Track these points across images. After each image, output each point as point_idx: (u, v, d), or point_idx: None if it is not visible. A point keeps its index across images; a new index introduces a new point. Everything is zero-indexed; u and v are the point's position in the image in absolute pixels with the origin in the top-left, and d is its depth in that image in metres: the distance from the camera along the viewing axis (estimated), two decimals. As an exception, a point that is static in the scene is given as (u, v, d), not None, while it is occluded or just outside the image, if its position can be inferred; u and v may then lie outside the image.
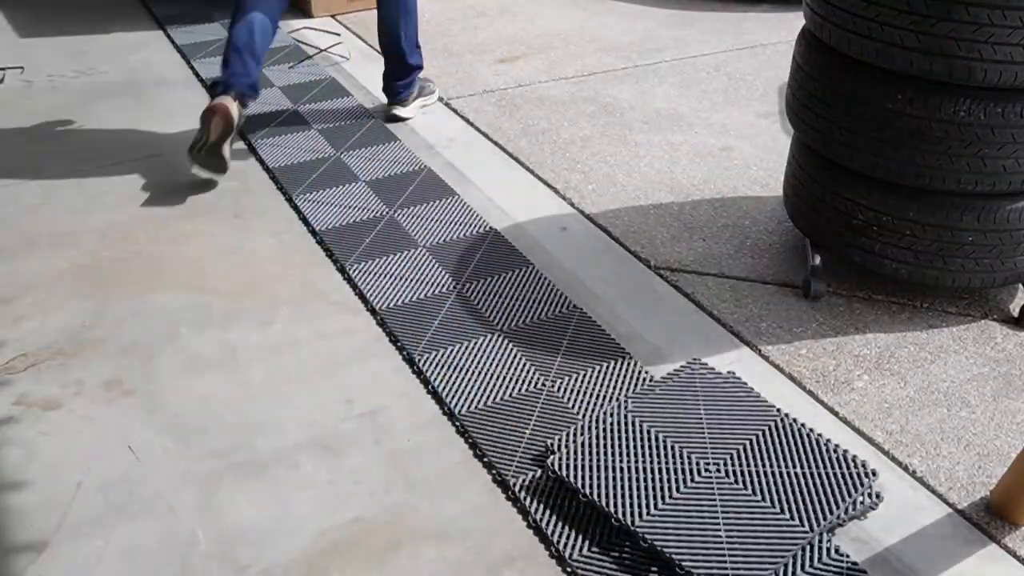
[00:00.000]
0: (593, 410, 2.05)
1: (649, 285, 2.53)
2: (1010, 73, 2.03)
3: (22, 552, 1.72)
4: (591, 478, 1.82)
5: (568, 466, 1.86)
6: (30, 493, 1.85)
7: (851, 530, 1.78)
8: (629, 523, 1.71)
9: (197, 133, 2.90)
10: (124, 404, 2.08)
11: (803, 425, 1.95)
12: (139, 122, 3.45)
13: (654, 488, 1.80)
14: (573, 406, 2.07)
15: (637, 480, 1.81)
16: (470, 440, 1.98)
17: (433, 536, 1.76)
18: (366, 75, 3.90)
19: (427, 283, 2.49)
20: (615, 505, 1.76)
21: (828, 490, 1.78)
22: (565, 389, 2.12)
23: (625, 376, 2.16)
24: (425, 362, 2.20)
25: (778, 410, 1.99)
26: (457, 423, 2.03)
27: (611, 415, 1.98)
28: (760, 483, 1.80)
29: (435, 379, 2.14)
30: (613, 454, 1.88)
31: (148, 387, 2.14)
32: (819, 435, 1.92)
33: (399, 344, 2.27)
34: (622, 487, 1.80)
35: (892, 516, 1.81)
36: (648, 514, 1.74)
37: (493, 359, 2.21)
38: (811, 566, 1.69)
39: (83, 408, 2.07)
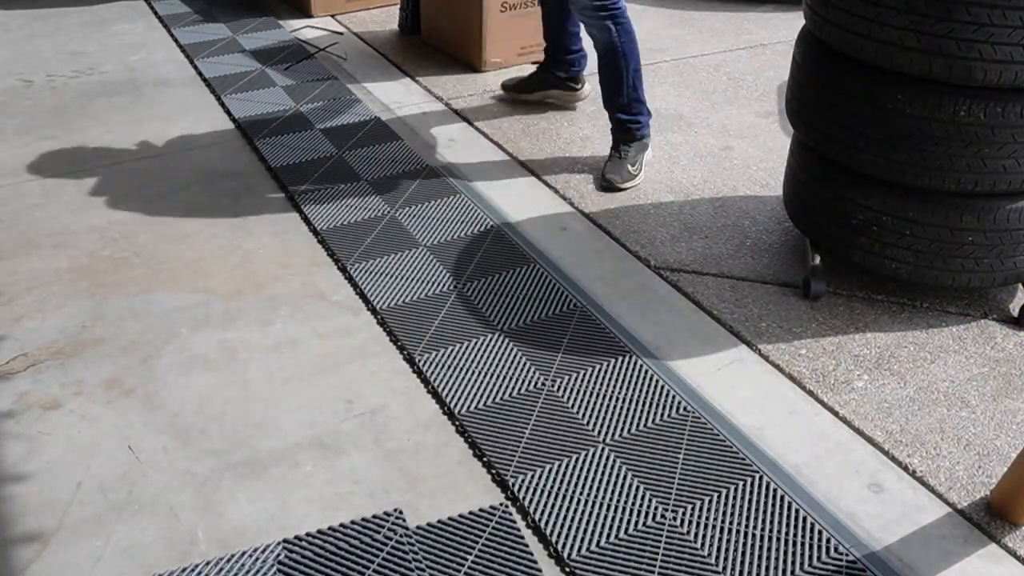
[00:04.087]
0: (593, 410, 2.05)
1: (649, 285, 2.53)
2: (1010, 73, 2.03)
3: (22, 551, 1.72)
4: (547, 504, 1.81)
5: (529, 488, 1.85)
6: (30, 492, 1.85)
7: (850, 528, 1.78)
8: (565, 555, 1.70)
9: None
10: (124, 404, 2.08)
11: (776, 490, 1.85)
12: (139, 122, 3.45)
13: (604, 524, 1.78)
14: (573, 405, 2.07)
15: (591, 513, 1.80)
16: (470, 440, 1.98)
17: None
18: (366, 74, 3.90)
19: (428, 282, 2.50)
20: (559, 534, 1.74)
21: (783, 556, 1.72)
22: (565, 388, 2.12)
23: (625, 375, 2.16)
24: (425, 362, 2.20)
25: (757, 468, 1.91)
26: (457, 423, 2.03)
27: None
28: (713, 537, 1.75)
29: (435, 379, 2.15)
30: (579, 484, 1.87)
31: (148, 387, 2.14)
32: (791, 500, 1.83)
33: (399, 344, 2.27)
34: (575, 517, 1.79)
35: (892, 516, 1.81)
36: (587, 550, 1.72)
37: (493, 358, 2.21)
38: (810, 565, 1.70)
39: (83, 408, 2.07)
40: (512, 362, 2.20)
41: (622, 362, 2.20)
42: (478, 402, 2.08)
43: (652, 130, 3.11)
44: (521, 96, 3.55)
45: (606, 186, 2.94)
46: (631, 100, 3.00)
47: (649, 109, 3.06)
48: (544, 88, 3.53)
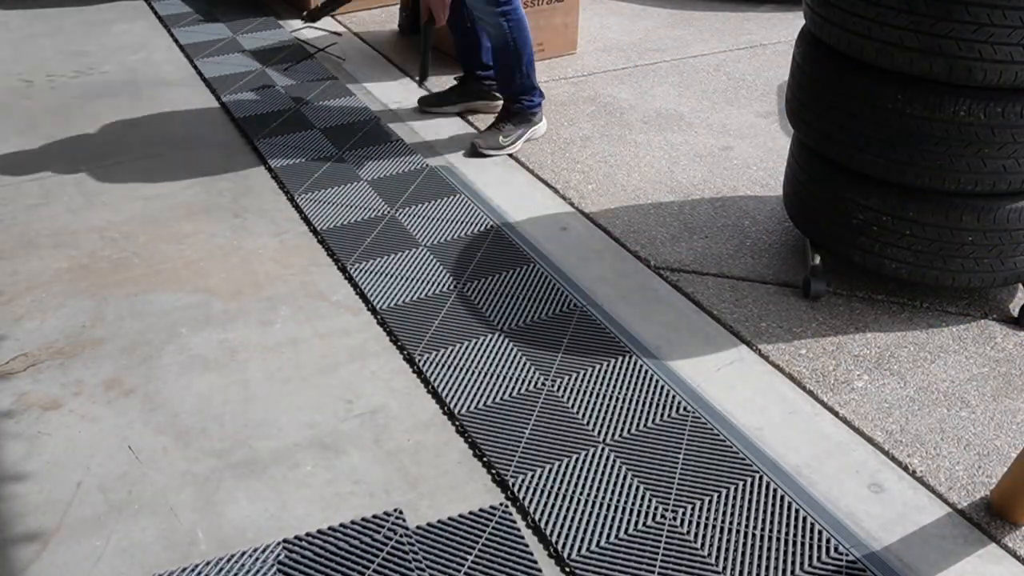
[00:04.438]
0: (592, 411, 2.05)
1: (649, 285, 2.53)
2: (1010, 73, 2.03)
3: (22, 551, 1.72)
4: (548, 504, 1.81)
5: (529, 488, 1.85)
6: (30, 492, 1.85)
7: (850, 528, 1.78)
8: (565, 555, 1.70)
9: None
10: (124, 404, 2.08)
11: (776, 490, 1.85)
12: (139, 122, 3.45)
13: (604, 524, 1.77)
14: (573, 405, 2.07)
15: (591, 513, 1.80)
16: (470, 440, 1.98)
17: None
18: (366, 74, 3.90)
19: (428, 282, 2.50)
20: (559, 534, 1.74)
21: (783, 556, 1.72)
22: (565, 388, 2.12)
23: (625, 375, 2.16)
24: (425, 362, 2.20)
25: (757, 468, 1.91)
26: (457, 423, 2.03)
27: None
28: (713, 537, 1.75)
29: (435, 379, 2.15)
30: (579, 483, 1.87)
31: (148, 387, 2.14)
32: (791, 500, 1.83)
33: (399, 344, 2.27)
34: (575, 517, 1.79)
35: (892, 516, 1.81)
36: (587, 550, 1.72)
37: (493, 358, 2.21)
38: (810, 565, 1.70)
39: (83, 408, 2.07)
40: (512, 362, 2.20)
41: (622, 362, 2.20)
42: (478, 402, 2.08)
43: (653, 130, 3.12)
44: (443, 109, 3.53)
45: (470, 151, 3.23)
46: (524, 87, 3.25)
47: (541, 92, 3.33)
48: (468, 99, 3.54)
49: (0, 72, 3.88)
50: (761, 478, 1.88)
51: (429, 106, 3.54)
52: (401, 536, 1.73)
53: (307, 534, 1.74)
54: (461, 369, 2.18)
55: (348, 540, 1.73)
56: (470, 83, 3.53)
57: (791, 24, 4.58)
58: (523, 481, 1.87)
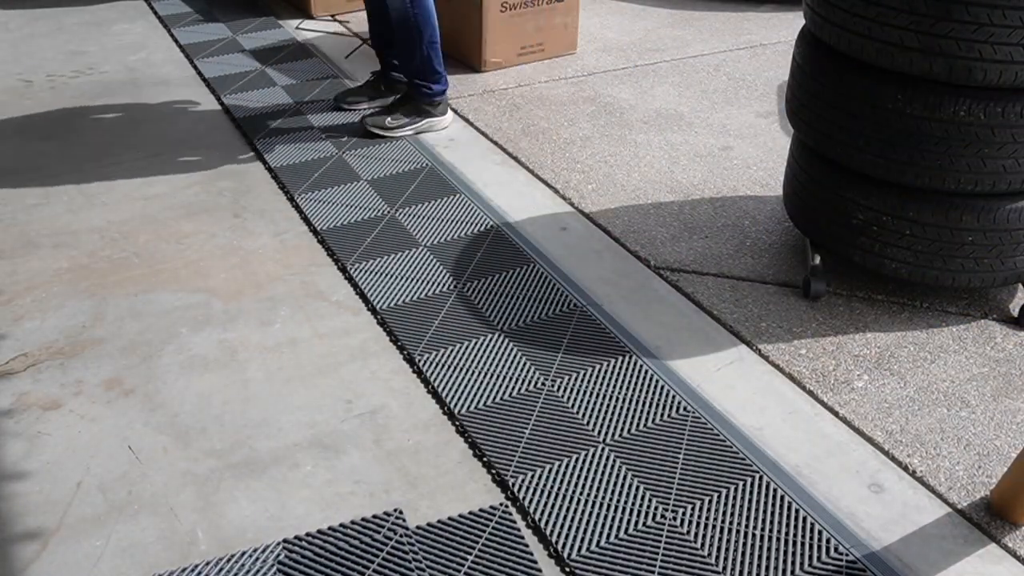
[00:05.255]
0: (592, 411, 2.05)
1: (649, 285, 2.53)
2: (1010, 73, 2.03)
3: (22, 551, 1.72)
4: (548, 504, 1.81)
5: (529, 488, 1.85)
6: (30, 492, 1.85)
7: (850, 528, 1.78)
8: (565, 555, 1.70)
9: None
10: (124, 404, 2.09)
11: (776, 489, 1.85)
12: (139, 122, 3.45)
13: (604, 524, 1.77)
14: (573, 405, 2.07)
15: (591, 514, 1.80)
16: (470, 440, 1.98)
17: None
18: (366, 74, 3.89)
19: (428, 282, 2.50)
20: (559, 534, 1.74)
21: (783, 556, 1.72)
22: (565, 388, 2.12)
23: (625, 375, 2.16)
24: (425, 362, 2.20)
25: (757, 468, 1.91)
26: (457, 423, 2.03)
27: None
28: (713, 537, 1.75)
29: (435, 379, 2.15)
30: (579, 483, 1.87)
31: (148, 387, 2.14)
32: (791, 500, 1.83)
33: (399, 344, 2.27)
34: (575, 517, 1.79)
35: (892, 516, 1.81)
36: (587, 550, 1.72)
37: (493, 358, 2.21)
38: (810, 565, 1.70)
39: (83, 408, 2.07)
40: (512, 362, 2.20)
41: (622, 362, 2.20)
42: (478, 402, 2.08)
43: (653, 130, 3.11)
44: (356, 106, 3.51)
45: (361, 126, 3.30)
46: (424, 69, 3.22)
47: (447, 80, 3.30)
48: (379, 96, 3.53)
49: (0, 72, 3.89)
50: (761, 478, 1.88)
51: (342, 101, 3.53)
52: (401, 536, 1.73)
53: (307, 534, 1.74)
54: (461, 369, 2.18)
55: (348, 540, 1.73)
56: (381, 81, 3.54)
57: (791, 24, 4.58)
58: (523, 481, 1.87)
